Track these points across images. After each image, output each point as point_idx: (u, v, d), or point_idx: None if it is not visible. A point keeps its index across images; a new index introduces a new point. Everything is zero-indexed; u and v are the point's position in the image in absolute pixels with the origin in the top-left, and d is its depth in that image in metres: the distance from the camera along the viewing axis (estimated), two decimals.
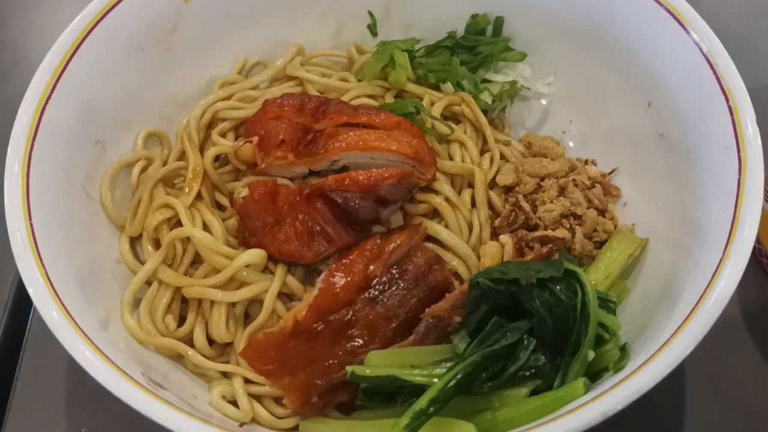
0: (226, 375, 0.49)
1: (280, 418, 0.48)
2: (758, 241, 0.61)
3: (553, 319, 0.44)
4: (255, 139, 0.53)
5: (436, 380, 0.42)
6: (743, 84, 0.47)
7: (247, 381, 0.49)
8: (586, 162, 0.59)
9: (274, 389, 0.48)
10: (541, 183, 0.56)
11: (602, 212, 0.55)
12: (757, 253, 0.61)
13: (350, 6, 0.64)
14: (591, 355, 0.43)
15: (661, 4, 0.51)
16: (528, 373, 0.43)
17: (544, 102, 0.63)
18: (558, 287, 0.45)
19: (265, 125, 0.54)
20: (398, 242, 0.51)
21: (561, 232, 0.53)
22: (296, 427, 0.48)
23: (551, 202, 0.54)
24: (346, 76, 0.61)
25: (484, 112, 0.62)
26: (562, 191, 0.55)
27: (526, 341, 0.44)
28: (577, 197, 0.55)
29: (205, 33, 0.60)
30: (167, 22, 0.58)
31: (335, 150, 0.52)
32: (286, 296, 0.51)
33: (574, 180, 0.56)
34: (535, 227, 0.54)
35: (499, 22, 0.62)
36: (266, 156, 0.53)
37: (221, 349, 0.51)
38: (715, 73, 0.48)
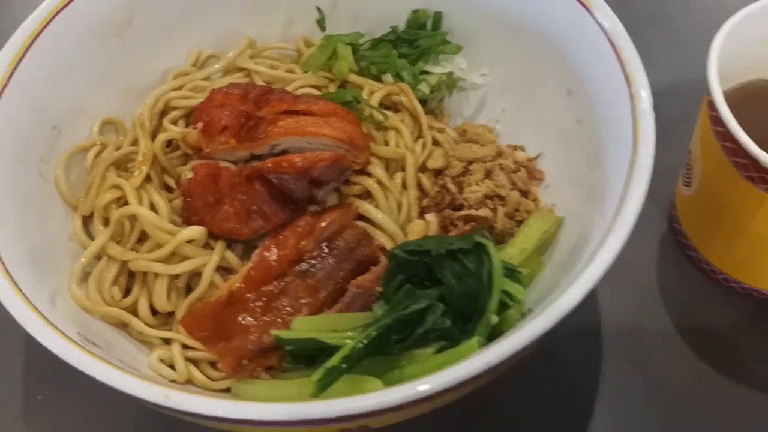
0: (168, 342, 0.53)
1: (214, 380, 0.52)
2: (677, 221, 0.65)
3: (461, 287, 0.48)
4: (200, 125, 0.57)
5: (350, 342, 0.46)
6: (644, 71, 0.50)
7: (185, 347, 0.52)
8: (515, 148, 0.63)
9: (209, 354, 0.52)
10: (469, 167, 0.60)
11: (525, 193, 0.59)
12: (677, 234, 0.65)
13: (299, 2, 0.68)
14: (495, 319, 0.47)
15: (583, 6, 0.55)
16: (434, 335, 0.47)
17: (479, 92, 0.66)
18: (468, 258, 0.49)
19: (210, 112, 0.58)
20: (329, 220, 0.55)
21: (484, 212, 0.57)
22: (230, 389, 0.52)
23: (477, 184, 0.58)
24: (292, 68, 0.65)
25: (424, 101, 0.66)
26: (488, 174, 0.59)
27: (435, 307, 0.47)
28: (501, 180, 0.58)
29: (159, 26, 0.64)
30: (123, 16, 0.62)
31: (274, 135, 0.56)
32: (226, 270, 0.55)
33: (500, 164, 0.60)
34: (461, 207, 0.58)
35: (438, 17, 0.66)
36: (211, 141, 0.57)
37: (164, 319, 0.55)
38: (619, 60, 0.51)
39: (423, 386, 0.38)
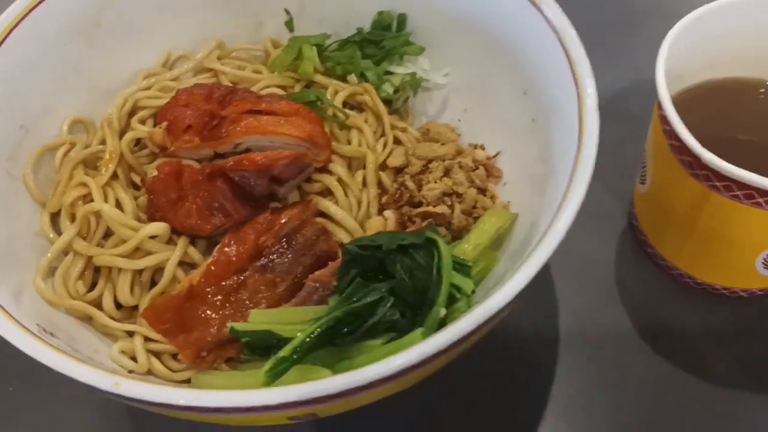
0: (132, 335, 0.55)
1: (175, 371, 0.53)
2: (635, 218, 0.66)
3: (412, 281, 0.50)
4: (164, 124, 0.59)
5: (301, 333, 0.48)
6: (590, 69, 0.52)
7: (148, 339, 0.54)
8: (475, 146, 0.64)
9: (171, 346, 0.53)
10: (429, 165, 0.61)
11: (483, 191, 0.61)
12: (636, 231, 0.66)
13: (268, 4, 0.70)
14: (443, 311, 0.48)
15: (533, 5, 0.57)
16: (384, 327, 0.48)
17: (443, 92, 0.68)
18: (419, 253, 0.50)
19: (175, 112, 0.59)
20: (289, 217, 0.56)
21: (441, 209, 0.58)
22: (190, 380, 0.53)
23: (435, 182, 0.60)
24: (259, 68, 0.67)
25: (389, 101, 0.68)
26: (447, 172, 0.61)
27: (385, 299, 0.49)
28: (459, 178, 0.60)
29: (129, 28, 0.65)
30: (91, 18, 0.63)
31: (236, 134, 0.57)
32: (189, 265, 0.57)
33: (459, 162, 0.61)
34: (419, 204, 0.59)
35: (402, 19, 0.68)
36: (175, 139, 0.59)
37: (129, 312, 0.56)
38: (568, 58, 0.53)
39: (357, 376, 0.40)
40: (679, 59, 0.59)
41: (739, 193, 0.51)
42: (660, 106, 0.55)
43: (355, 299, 0.49)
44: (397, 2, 0.67)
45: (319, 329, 0.47)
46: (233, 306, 0.53)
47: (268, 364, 0.46)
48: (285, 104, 0.59)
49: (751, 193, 0.51)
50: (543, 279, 0.65)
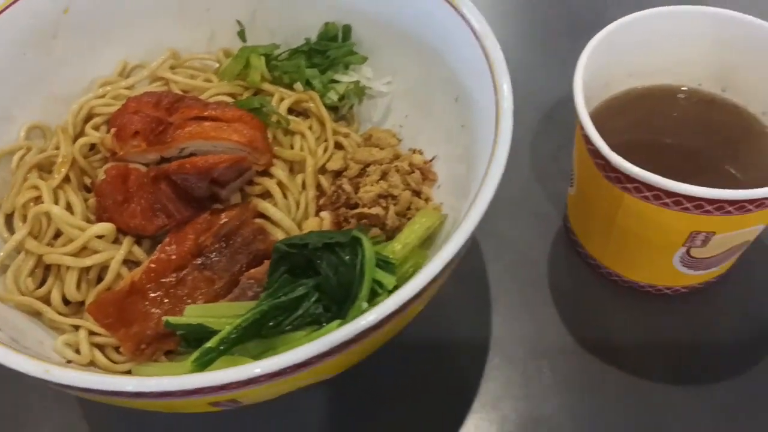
0: (78, 329, 0.58)
1: (117, 363, 0.56)
2: (568, 220, 0.69)
3: (337, 277, 0.53)
4: (113, 130, 0.62)
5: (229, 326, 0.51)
6: (507, 72, 0.55)
7: (93, 333, 0.57)
8: (414, 151, 0.67)
9: (114, 339, 0.56)
10: (367, 169, 0.64)
11: (418, 193, 0.64)
12: (569, 232, 0.70)
13: (220, 15, 0.73)
14: (365, 305, 0.51)
15: (459, 14, 0.60)
16: (307, 320, 0.51)
17: (386, 100, 0.71)
18: (344, 251, 0.53)
19: (124, 118, 0.62)
20: (228, 217, 0.59)
21: (376, 210, 0.61)
22: (131, 371, 0.56)
23: (372, 185, 0.63)
24: (210, 77, 0.70)
25: (335, 108, 0.71)
26: (384, 176, 0.64)
27: (310, 294, 0.52)
28: (395, 181, 0.63)
29: (85, 39, 0.69)
30: (48, 30, 0.66)
31: (180, 139, 0.61)
32: (134, 264, 0.60)
33: (396, 166, 0.64)
34: (356, 206, 0.62)
35: (346, 29, 0.71)
36: (124, 144, 0.62)
37: (77, 308, 0.60)
38: (488, 63, 0.56)
39: (263, 364, 0.43)
40: (604, 68, 0.62)
41: (648, 194, 0.54)
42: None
43: (281, 294, 0.52)
44: (343, 14, 0.71)
45: (245, 322, 0.50)
46: (172, 301, 0.56)
47: (194, 354, 0.49)
48: (229, 111, 0.63)
49: (658, 195, 0.54)
50: (478, 277, 0.68)
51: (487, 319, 0.66)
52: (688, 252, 0.59)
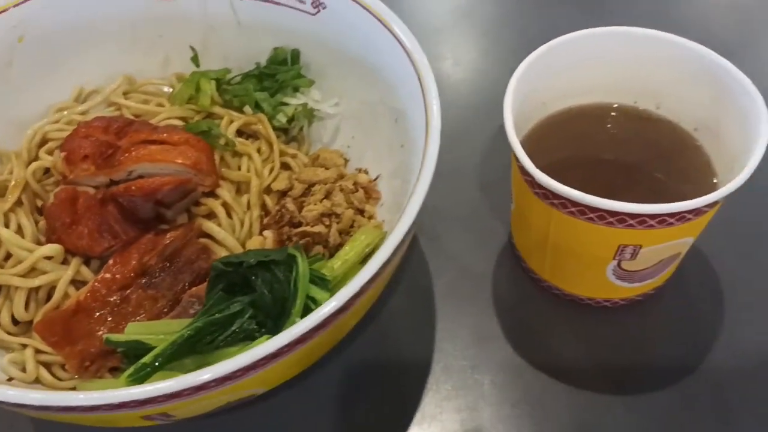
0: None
1: (62, 380, 0.58)
2: (512, 235, 0.71)
3: (272, 294, 0.55)
4: (63, 154, 0.64)
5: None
6: (437, 95, 0.57)
7: (40, 351, 0.59)
8: (360, 170, 0.69)
9: (60, 357, 0.58)
10: (312, 188, 0.66)
11: (361, 212, 0.66)
12: (513, 247, 0.71)
13: (174, 41, 0.76)
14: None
15: (394, 37, 0.62)
16: (241, 336, 0.53)
17: (334, 121, 0.73)
18: (280, 268, 0.55)
19: (74, 142, 0.64)
20: (172, 237, 0.61)
21: (319, 228, 0.63)
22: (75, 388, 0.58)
23: (315, 204, 0.65)
24: (162, 102, 0.72)
25: (285, 130, 0.73)
26: (328, 195, 0.66)
27: (244, 311, 0.54)
28: (338, 200, 0.65)
29: (41, 66, 0.71)
30: (3, 58, 0.69)
31: (127, 162, 0.63)
32: (81, 284, 0.62)
33: (340, 185, 0.66)
34: (299, 224, 0.64)
35: (295, 54, 0.73)
36: (74, 168, 0.64)
37: (26, 327, 0.61)
38: (422, 89, 0.58)
39: (198, 377, 0.44)
40: (540, 89, 0.64)
41: (573, 210, 0.56)
42: None
43: (216, 311, 0.54)
44: (292, 39, 0.73)
45: (180, 338, 0.52)
46: (116, 320, 0.58)
47: (129, 370, 0.51)
48: (176, 134, 0.65)
49: (583, 210, 0.55)
50: (424, 292, 0.70)
51: (431, 333, 0.67)
52: (619, 265, 0.60)
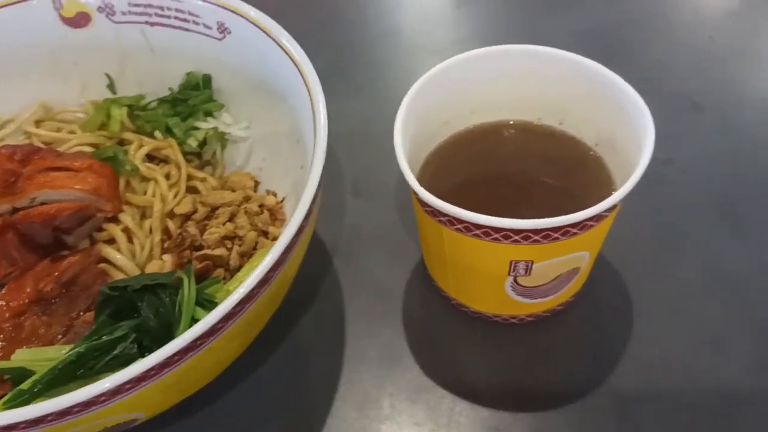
0: None
1: None
2: (423, 254, 0.71)
3: (157, 318, 0.55)
4: None
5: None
6: (326, 120, 0.58)
7: None
8: (268, 193, 0.70)
9: None
10: (216, 211, 0.66)
11: (266, 234, 0.66)
12: (425, 267, 0.71)
13: (89, 69, 0.76)
14: None
15: (289, 57, 0.63)
16: (123, 361, 0.53)
17: (247, 144, 0.74)
18: (165, 291, 0.55)
19: None
20: (69, 263, 0.61)
21: (219, 251, 0.63)
22: None
23: (218, 227, 0.65)
24: (74, 129, 0.73)
25: (198, 155, 0.74)
26: (232, 218, 0.66)
27: (127, 336, 0.54)
28: (242, 222, 0.65)
29: None
30: None
31: (29, 189, 0.63)
32: None
33: (245, 208, 0.66)
34: (201, 247, 0.64)
35: (206, 78, 0.74)
36: None
37: None
38: (313, 110, 0.59)
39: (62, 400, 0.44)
40: (443, 106, 0.65)
41: (459, 226, 0.56)
42: None
43: (99, 336, 0.54)
44: (202, 64, 0.74)
45: (60, 364, 0.52)
46: (10, 347, 0.58)
47: (6, 396, 0.50)
48: (81, 161, 0.65)
49: (468, 227, 0.55)
50: (335, 312, 0.69)
51: (339, 355, 0.67)
52: (515, 281, 0.60)
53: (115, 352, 0.53)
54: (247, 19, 0.66)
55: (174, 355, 0.46)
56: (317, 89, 0.59)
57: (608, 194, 0.62)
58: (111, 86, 0.76)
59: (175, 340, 0.47)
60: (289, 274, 0.56)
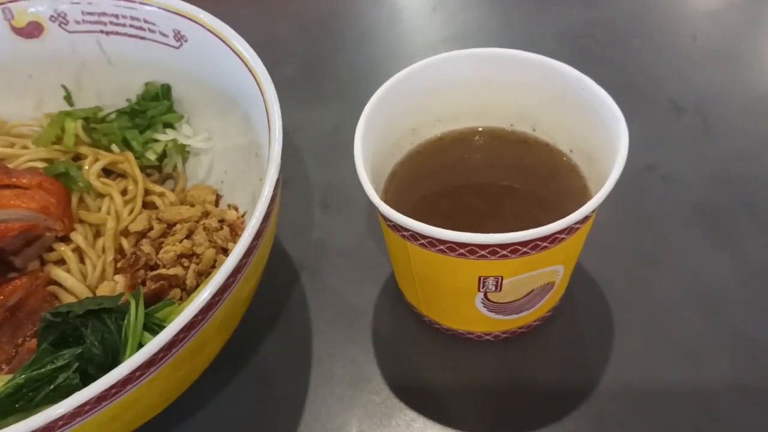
0: None
1: None
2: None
3: (102, 344, 0.51)
4: None
5: None
6: (281, 132, 0.55)
7: None
8: (230, 207, 0.66)
9: None
10: (174, 228, 0.63)
11: (225, 251, 0.63)
12: (396, 283, 0.68)
13: (45, 82, 0.73)
14: None
15: (244, 63, 0.60)
16: (64, 391, 0.50)
17: (209, 156, 0.71)
18: (110, 316, 0.52)
19: None
20: (14, 287, 0.58)
21: (175, 270, 0.60)
22: None
23: (174, 244, 0.62)
24: (28, 144, 0.70)
25: (159, 168, 0.71)
26: (190, 234, 0.63)
27: (70, 365, 0.50)
28: (200, 239, 0.62)
29: None
30: None
31: None
32: None
33: (204, 224, 0.63)
34: (156, 267, 0.61)
35: (165, 89, 0.71)
36: None
37: None
38: (268, 120, 0.56)
39: None
40: (409, 114, 0.62)
41: (423, 242, 0.53)
42: None
43: (38, 366, 0.50)
44: (160, 74, 0.71)
45: None
46: None
47: None
48: (28, 178, 0.62)
49: (432, 242, 0.52)
50: (302, 330, 0.66)
51: (306, 376, 0.64)
52: (486, 297, 0.57)
53: (57, 382, 0.50)
54: (203, 26, 0.63)
55: (111, 387, 0.43)
56: (273, 98, 0.56)
57: (583, 204, 0.59)
58: (68, 98, 0.73)
59: (111, 371, 0.44)
60: (242, 296, 0.53)
